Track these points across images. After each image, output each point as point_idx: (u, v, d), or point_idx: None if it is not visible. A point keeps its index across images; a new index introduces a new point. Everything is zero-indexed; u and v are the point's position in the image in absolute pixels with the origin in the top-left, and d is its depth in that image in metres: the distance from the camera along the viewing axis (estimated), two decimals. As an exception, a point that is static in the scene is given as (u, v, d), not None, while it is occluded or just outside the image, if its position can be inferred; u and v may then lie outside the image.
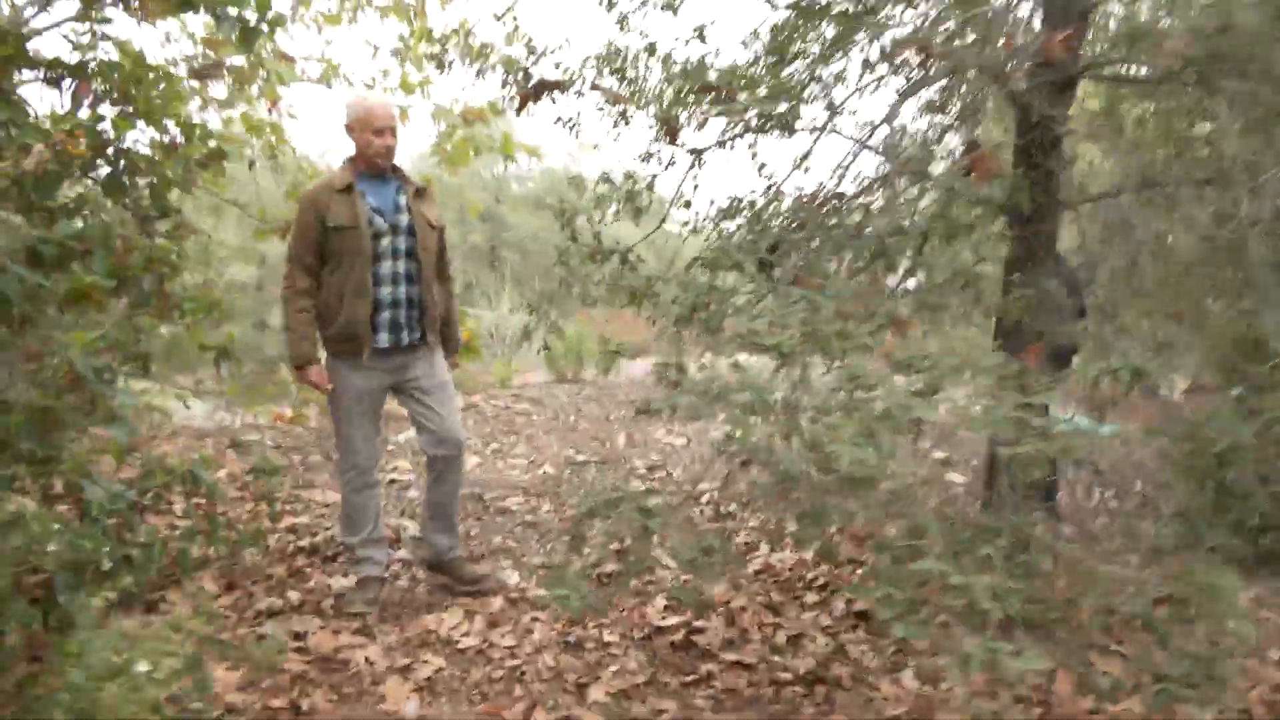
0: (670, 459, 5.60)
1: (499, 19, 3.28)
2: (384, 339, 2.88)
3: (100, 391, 1.78)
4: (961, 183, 2.56)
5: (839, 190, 3.33)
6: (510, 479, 5.00)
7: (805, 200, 3.28)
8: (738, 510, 4.35)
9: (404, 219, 2.91)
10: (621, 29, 3.28)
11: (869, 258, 2.76)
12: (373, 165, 2.89)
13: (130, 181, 2.37)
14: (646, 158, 3.52)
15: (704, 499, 4.53)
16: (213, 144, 3.03)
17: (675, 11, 3.31)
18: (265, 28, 2.22)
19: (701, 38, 3.17)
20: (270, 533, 3.47)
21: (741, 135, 3.45)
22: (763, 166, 3.76)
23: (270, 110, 5.46)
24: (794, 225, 3.21)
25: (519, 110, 3.06)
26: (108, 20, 2.27)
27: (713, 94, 3.24)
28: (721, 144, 3.52)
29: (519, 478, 5.07)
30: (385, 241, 2.86)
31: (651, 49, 3.18)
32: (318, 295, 2.90)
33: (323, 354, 3.00)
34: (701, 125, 3.36)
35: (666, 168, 3.63)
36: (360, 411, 2.94)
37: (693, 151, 3.56)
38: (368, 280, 2.82)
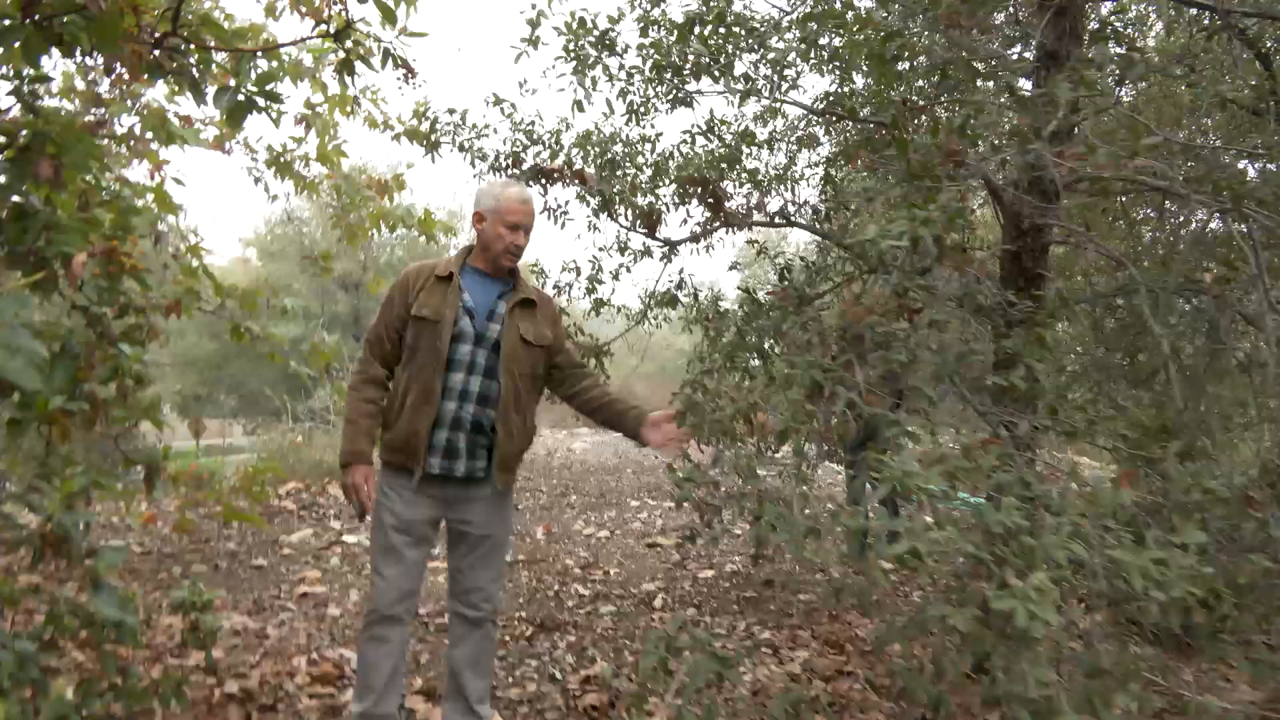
0: (600, 555, 5.30)
1: (496, 104, 3.02)
2: (435, 463, 2.38)
3: (79, 543, 1.38)
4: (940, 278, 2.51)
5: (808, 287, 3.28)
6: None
7: (778, 295, 3.19)
8: (695, 614, 4.11)
9: (493, 330, 2.42)
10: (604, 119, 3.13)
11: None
12: (494, 264, 2.47)
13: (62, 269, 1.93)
14: (623, 248, 3.34)
15: (656, 603, 4.26)
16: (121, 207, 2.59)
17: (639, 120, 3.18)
18: (264, 104, 1.89)
19: (693, 138, 3.06)
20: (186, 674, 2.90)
21: (721, 228, 3.36)
22: (734, 265, 3.66)
23: (152, 175, 4.91)
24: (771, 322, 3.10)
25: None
26: (48, 79, 1.88)
27: (701, 187, 3.13)
28: (696, 238, 3.42)
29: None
30: (464, 349, 2.38)
31: (644, 139, 3.03)
32: (387, 389, 2.47)
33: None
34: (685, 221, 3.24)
35: (638, 259, 3.47)
36: (397, 544, 2.41)
37: (666, 243, 3.43)
38: (436, 388, 2.35)
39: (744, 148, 3.26)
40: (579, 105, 2.78)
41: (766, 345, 2.76)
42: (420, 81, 2.54)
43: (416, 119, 5.54)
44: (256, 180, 5.54)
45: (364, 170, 5.76)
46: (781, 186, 3.24)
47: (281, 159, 4.99)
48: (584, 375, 2.65)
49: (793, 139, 3.35)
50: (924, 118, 2.81)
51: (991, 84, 3.76)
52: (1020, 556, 1.55)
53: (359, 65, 2.16)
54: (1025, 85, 3.06)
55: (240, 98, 1.90)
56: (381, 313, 2.49)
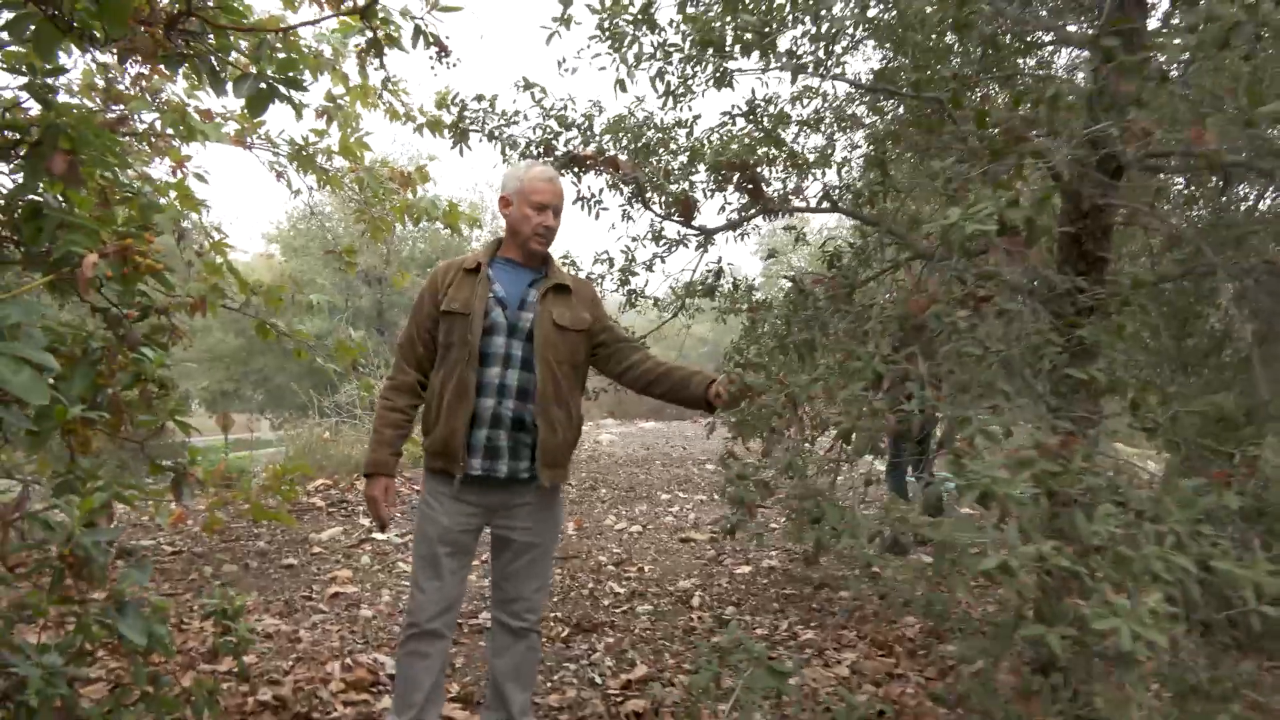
0: (633, 550, 5.20)
1: (526, 88, 2.89)
2: (476, 465, 2.27)
3: (101, 564, 1.29)
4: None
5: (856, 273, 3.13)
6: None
7: (826, 284, 3.04)
8: (735, 613, 4.00)
9: (526, 320, 2.31)
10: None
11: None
12: (526, 250, 2.36)
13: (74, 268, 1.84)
14: (658, 237, 3.21)
15: (694, 601, 4.15)
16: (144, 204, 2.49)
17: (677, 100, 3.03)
18: (286, 91, 1.78)
19: (733, 119, 2.91)
20: (220, 680, 2.84)
21: (760, 215, 3.22)
22: (772, 254, 3.52)
23: (175, 172, 4.85)
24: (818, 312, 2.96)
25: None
26: (63, 70, 1.79)
27: (739, 172, 2.99)
28: (734, 225, 3.28)
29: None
30: (497, 341, 2.27)
31: (680, 123, 2.89)
32: (420, 396, 2.37)
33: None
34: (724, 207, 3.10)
35: (673, 249, 3.34)
36: (439, 555, 2.30)
37: (702, 231, 3.29)
38: (471, 384, 2.24)
39: (779, 129, 3.11)
40: (621, 85, 2.65)
41: (814, 337, 2.63)
42: (454, 61, 2.42)
43: (440, 109, 5.47)
44: (279, 175, 5.48)
45: (386, 163, 5.67)
46: (822, 170, 3.09)
47: (303, 152, 4.91)
48: (633, 349, 2.49)
49: (835, 120, 3.19)
50: (977, 94, 2.65)
51: (1033, 61, 3.59)
52: (1117, 568, 1.41)
53: (388, 48, 2.03)
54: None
55: (262, 86, 1.80)
56: (413, 315, 2.40)
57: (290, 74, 1.82)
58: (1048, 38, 2.93)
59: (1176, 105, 2.54)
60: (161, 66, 1.82)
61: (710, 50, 2.33)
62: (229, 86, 1.87)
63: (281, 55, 1.84)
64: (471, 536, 2.36)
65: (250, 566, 4.68)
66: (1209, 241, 2.82)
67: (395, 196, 5.34)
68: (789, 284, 2.66)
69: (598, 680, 3.16)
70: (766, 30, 2.22)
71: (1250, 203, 4.11)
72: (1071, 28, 2.97)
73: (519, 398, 2.29)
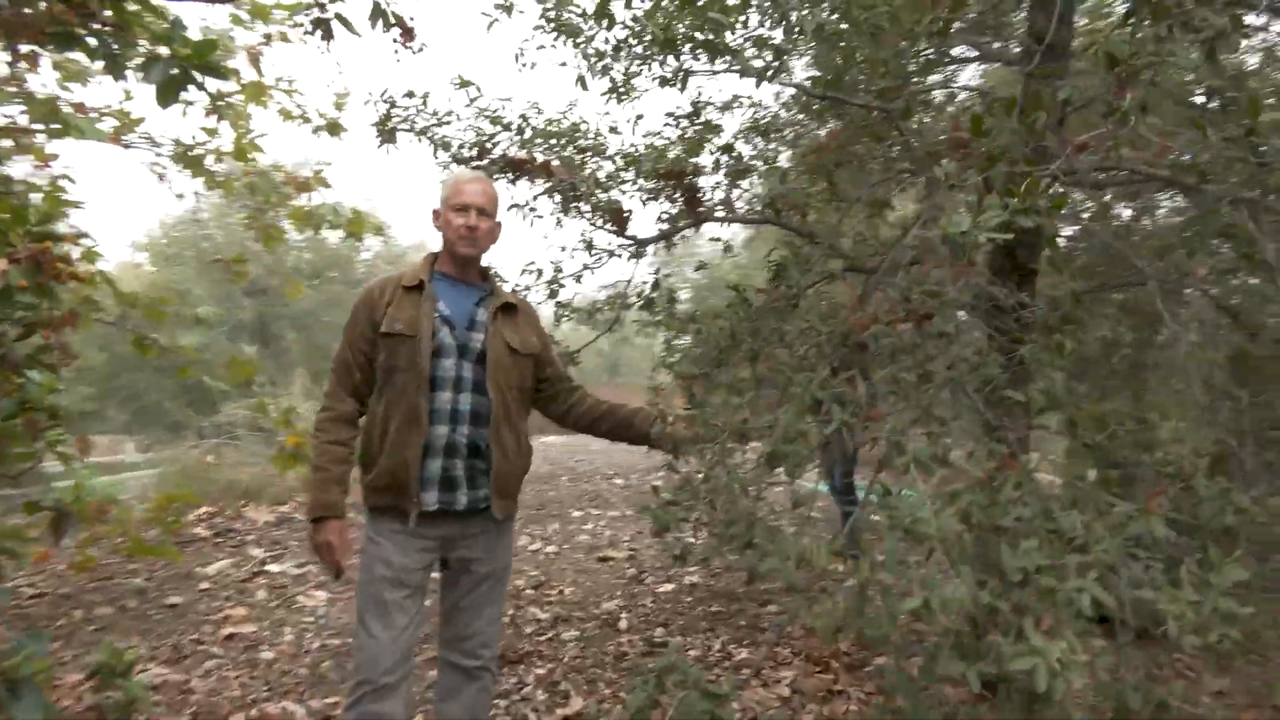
0: (551, 572, 5.02)
1: (462, 86, 2.69)
2: (432, 499, 2.08)
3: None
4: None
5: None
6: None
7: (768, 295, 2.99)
8: (664, 634, 3.88)
9: (477, 339, 2.15)
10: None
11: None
12: (455, 257, 2.19)
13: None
14: (589, 247, 3.08)
15: (621, 624, 4.01)
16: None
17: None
18: (200, 77, 1.55)
19: (678, 121, 2.81)
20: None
21: (693, 226, 3.14)
22: (701, 265, 3.46)
23: (39, 170, 4.39)
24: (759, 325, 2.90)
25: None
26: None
27: (676, 180, 2.90)
28: (667, 235, 3.19)
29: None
30: (448, 364, 2.10)
31: (614, 129, 2.78)
32: (357, 426, 2.15)
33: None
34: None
35: (603, 260, 3.22)
36: (391, 599, 2.05)
37: (635, 241, 3.19)
38: (423, 410, 2.06)
39: (710, 137, 3.05)
40: (582, 82, 2.50)
41: (757, 347, 2.56)
42: (420, 46, 2.20)
43: (339, 110, 5.16)
44: (160, 177, 5.04)
45: (281, 167, 5.31)
46: (760, 179, 3.04)
47: (190, 153, 4.52)
48: (573, 389, 2.39)
49: (770, 129, 3.15)
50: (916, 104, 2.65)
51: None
52: (1041, 601, 1.39)
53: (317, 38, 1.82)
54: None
55: (174, 71, 1.57)
56: (346, 337, 2.16)
57: (208, 58, 1.60)
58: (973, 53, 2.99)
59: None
60: (52, 45, 1.55)
61: (664, 49, 2.22)
62: (130, 72, 1.63)
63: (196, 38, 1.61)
64: (426, 573, 2.15)
65: (128, 608, 4.24)
66: (1139, 253, 2.93)
67: (290, 202, 5.00)
68: (733, 293, 2.58)
69: (531, 717, 2.98)
70: (728, 31, 2.14)
71: (1135, 217, 4.34)
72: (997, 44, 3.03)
73: (473, 423, 2.12)
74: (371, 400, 2.14)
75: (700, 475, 2.16)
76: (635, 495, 7.58)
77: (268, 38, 4.83)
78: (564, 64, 2.49)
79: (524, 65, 2.50)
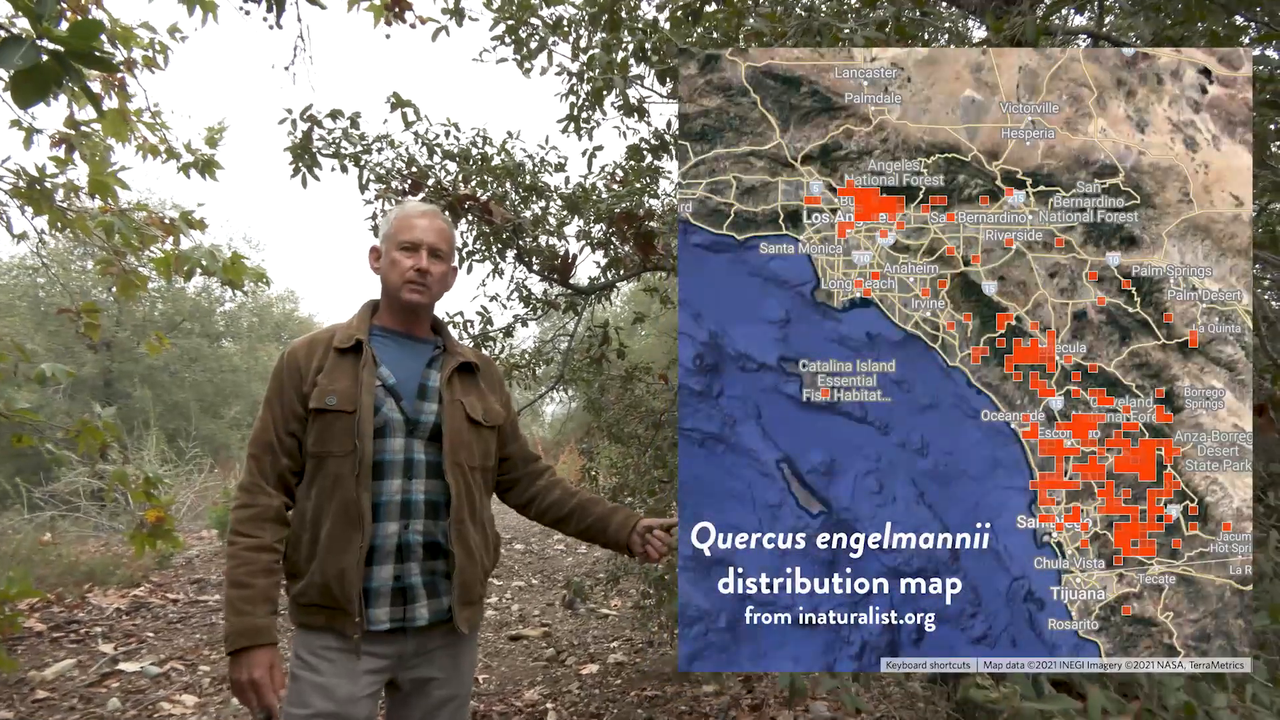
0: (458, 656, 4.52)
1: (398, 106, 2.30)
2: (383, 615, 1.67)
3: None
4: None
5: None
6: None
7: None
8: (598, 726, 3.49)
9: (429, 411, 1.75)
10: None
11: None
12: (400, 306, 1.79)
13: None
14: (525, 297, 2.76)
15: (549, 718, 3.59)
16: None
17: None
18: (80, 69, 1.16)
19: (642, 153, 2.55)
20: None
21: (646, 271, 2.88)
22: (639, 318, 3.23)
23: None
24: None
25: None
26: None
27: (629, 225, 2.64)
28: (610, 285, 2.92)
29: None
30: (394, 445, 1.69)
31: (560, 166, 2.49)
32: (287, 524, 1.70)
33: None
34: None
35: (541, 311, 2.90)
36: None
37: (574, 290, 2.89)
38: (364, 505, 1.64)
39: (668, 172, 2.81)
40: (575, 122, 2.17)
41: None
42: (415, 21, 1.84)
43: (211, 146, 4.64)
44: (-3, 214, 4.35)
45: (143, 206, 4.71)
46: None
47: (38, 186, 3.89)
48: (539, 473, 2.02)
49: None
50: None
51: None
52: None
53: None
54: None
55: (43, 57, 1.17)
56: (267, 414, 1.73)
57: (90, 45, 1.21)
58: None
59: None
60: None
61: (622, 71, 1.97)
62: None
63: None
64: (374, 702, 1.70)
65: (-61, 732, 3.47)
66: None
67: (156, 246, 4.40)
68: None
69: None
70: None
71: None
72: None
73: (429, 515, 1.72)
74: (299, 491, 1.71)
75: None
76: (539, 561, 7.13)
77: (129, 64, 4.30)
78: (504, 60, 2.15)
79: (482, 60, 2.15)
